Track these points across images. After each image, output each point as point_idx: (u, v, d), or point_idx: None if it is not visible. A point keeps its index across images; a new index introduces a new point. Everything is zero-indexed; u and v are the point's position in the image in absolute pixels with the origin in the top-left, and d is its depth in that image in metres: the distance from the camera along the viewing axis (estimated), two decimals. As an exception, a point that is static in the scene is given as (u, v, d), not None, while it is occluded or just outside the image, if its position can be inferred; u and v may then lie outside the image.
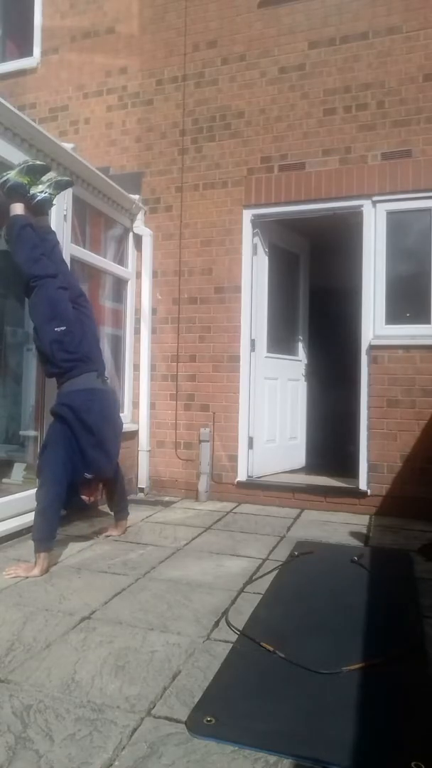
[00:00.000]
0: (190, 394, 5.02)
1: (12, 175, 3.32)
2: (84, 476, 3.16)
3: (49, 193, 3.46)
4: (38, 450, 3.71)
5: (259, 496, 4.76)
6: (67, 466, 3.03)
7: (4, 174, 3.33)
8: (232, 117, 4.98)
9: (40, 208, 3.46)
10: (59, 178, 3.57)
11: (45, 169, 3.45)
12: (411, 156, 4.42)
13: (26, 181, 3.35)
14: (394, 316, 4.47)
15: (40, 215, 3.51)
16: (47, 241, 3.48)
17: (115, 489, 3.61)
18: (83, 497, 3.27)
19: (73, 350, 3.22)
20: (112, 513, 3.69)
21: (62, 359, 3.21)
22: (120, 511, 3.68)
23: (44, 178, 3.45)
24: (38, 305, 3.26)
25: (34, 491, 3.13)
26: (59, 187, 3.55)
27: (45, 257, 3.34)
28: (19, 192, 3.34)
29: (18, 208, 3.35)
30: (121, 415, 3.79)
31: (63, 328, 3.21)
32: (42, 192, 3.41)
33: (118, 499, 3.66)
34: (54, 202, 3.59)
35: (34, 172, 3.38)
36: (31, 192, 3.39)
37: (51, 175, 3.52)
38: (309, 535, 3.78)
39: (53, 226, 3.83)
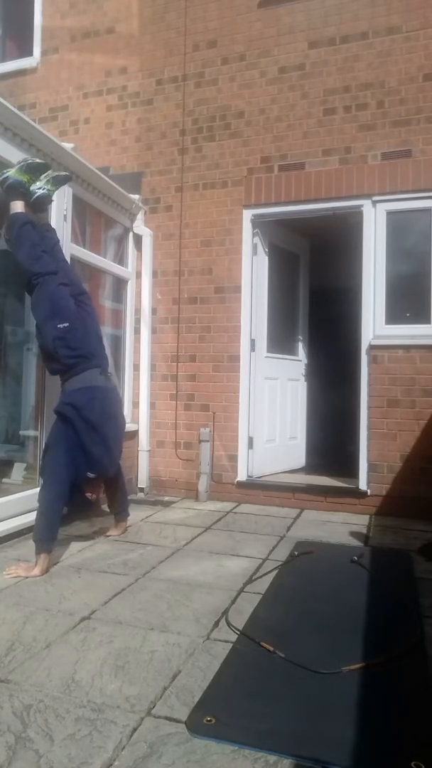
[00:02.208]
0: (190, 394, 5.02)
1: (11, 172, 3.32)
2: (87, 475, 3.16)
3: (48, 189, 3.46)
4: (38, 450, 3.72)
5: (259, 496, 4.76)
6: (69, 467, 3.03)
7: (4, 172, 3.33)
8: (232, 117, 4.98)
9: (39, 205, 3.46)
10: (57, 174, 3.57)
11: (45, 167, 3.45)
12: (411, 156, 4.42)
13: (26, 179, 3.35)
14: (394, 316, 4.47)
15: (40, 212, 3.51)
16: (48, 238, 3.48)
17: (117, 489, 3.61)
18: (87, 495, 3.27)
19: (76, 346, 3.22)
20: (113, 513, 3.69)
21: (65, 356, 3.20)
22: (120, 511, 3.68)
23: (43, 176, 3.45)
24: (40, 302, 3.26)
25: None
26: (58, 182, 3.55)
27: (46, 254, 3.34)
28: (18, 190, 3.34)
29: (18, 206, 3.35)
30: (123, 413, 3.79)
31: (66, 324, 3.21)
32: (40, 188, 3.41)
33: (119, 500, 3.66)
34: (53, 198, 3.59)
35: (34, 170, 3.38)
36: (30, 189, 3.39)
37: (50, 172, 3.52)
38: (309, 534, 3.78)
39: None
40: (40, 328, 3.29)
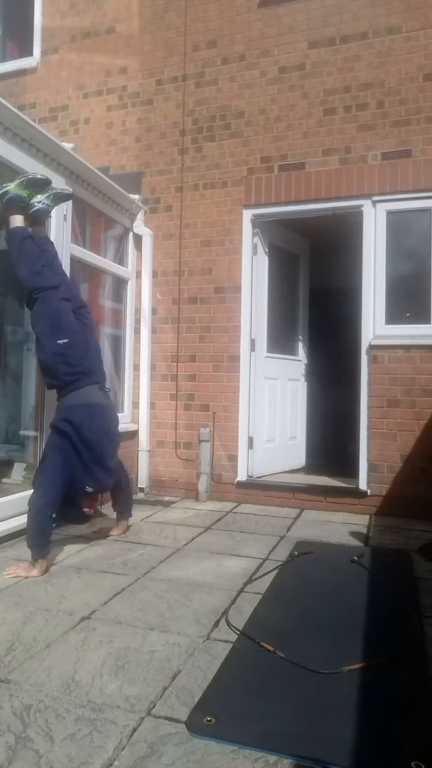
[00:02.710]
0: (190, 394, 5.02)
1: (12, 187, 3.32)
2: (85, 489, 3.16)
3: (47, 204, 3.46)
4: (38, 450, 3.72)
5: (259, 496, 4.76)
6: (64, 475, 3.03)
7: (4, 186, 3.32)
8: (232, 117, 4.98)
9: (37, 218, 3.46)
10: (59, 191, 3.57)
11: (45, 183, 3.45)
12: (411, 156, 4.42)
13: (26, 194, 3.35)
14: (394, 316, 4.47)
15: (38, 225, 3.50)
16: (47, 251, 3.47)
17: (121, 491, 3.63)
18: (84, 510, 3.27)
19: (75, 363, 3.21)
20: (116, 512, 3.70)
21: (64, 372, 3.20)
22: (123, 511, 3.70)
23: (43, 192, 3.44)
24: (40, 317, 3.25)
25: (32, 492, 3.12)
26: (58, 199, 3.56)
27: (46, 268, 3.33)
28: (17, 204, 3.33)
29: (17, 220, 3.34)
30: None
31: (65, 340, 3.20)
32: (40, 202, 3.41)
33: (122, 500, 3.67)
34: (52, 213, 3.59)
35: (34, 186, 3.38)
36: (30, 202, 3.39)
37: (51, 188, 3.52)
38: (309, 534, 3.78)
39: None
40: (39, 343, 3.28)
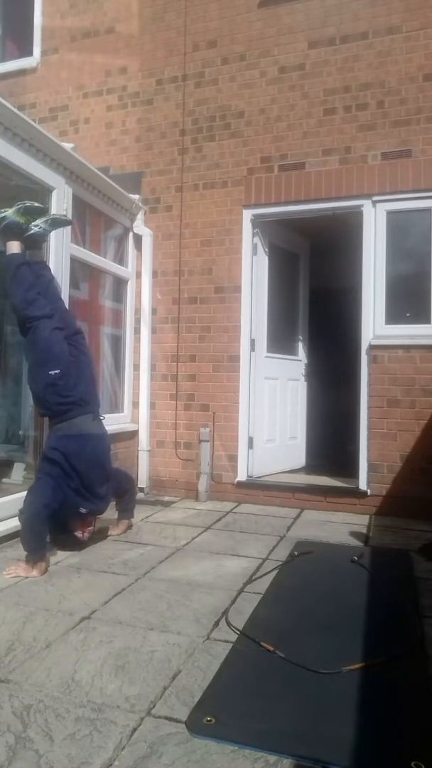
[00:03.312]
0: (190, 394, 5.02)
1: (9, 213, 3.31)
2: (79, 510, 3.17)
3: (45, 229, 3.45)
4: (38, 450, 3.72)
5: (259, 496, 4.76)
6: (56, 490, 3.03)
7: (2, 211, 3.31)
8: (232, 117, 4.98)
9: (33, 243, 3.45)
10: (57, 216, 3.57)
11: (42, 211, 3.45)
12: (411, 156, 4.42)
13: (23, 221, 3.34)
14: (394, 316, 4.47)
15: (34, 249, 3.49)
16: (43, 277, 3.46)
17: (126, 493, 3.65)
18: (77, 534, 3.26)
19: (67, 393, 3.20)
20: (117, 511, 3.71)
21: (56, 402, 3.20)
22: (125, 510, 3.71)
23: (41, 218, 3.42)
24: (33, 347, 3.25)
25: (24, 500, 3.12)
26: (56, 224, 3.55)
27: (41, 296, 3.31)
28: (14, 231, 3.33)
29: (14, 246, 3.34)
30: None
31: (57, 371, 3.18)
32: (38, 226, 3.39)
33: (126, 500, 3.69)
34: (48, 238, 3.60)
35: (32, 213, 3.37)
36: (27, 226, 3.38)
37: (49, 215, 3.52)
38: (309, 534, 3.78)
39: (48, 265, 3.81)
40: (31, 373, 3.29)
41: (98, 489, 3.25)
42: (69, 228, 4.10)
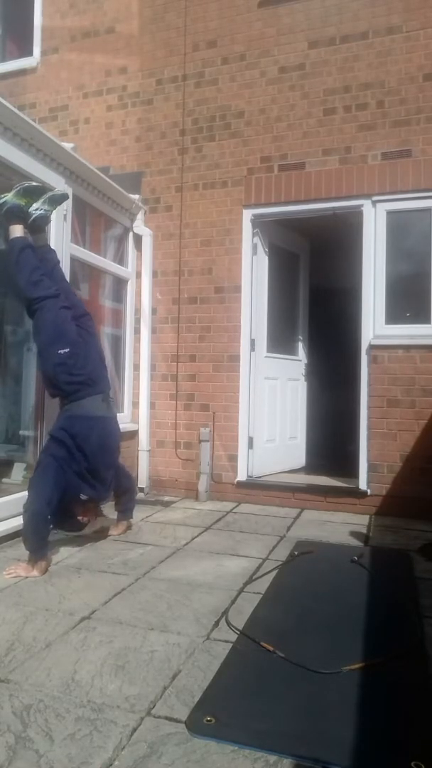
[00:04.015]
0: (190, 394, 5.02)
1: (9, 197, 3.31)
2: (79, 497, 3.16)
3: (45, 210, 3.46)
4: (38, 450, 3.72)
5: (259, 496, 4.76)
6: (58, 479, 3.02)
7: (2, 196, 3.32)
8: (232, 117, 4.98)
9: (37, 227, 3.46)
10: (53, 193, 3.57)
11: (41, 190, 3.45)
12: (411, 156, 4.42)
13: (23, 203, 3.35)
14: (394, 316, 4.47)
15: (38, 233, 3.50)
16: (47, 260, 3.46)
17: (126, 492, 3.64)
18: (78, 518, 3.26)
19: (77, 373, 3.20)
20: (117, 512, 3.71)
21: (66, 382, 3.19)
22: (125, 511, 3.70)
23: (40, 198, 3.43)
24: (41, 327, 3.24)
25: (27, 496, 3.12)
26: (54, 202, 3.55)
27: (46, 278, 3.32)
28: (16, 214, 3.33)
29: (17, 230, 3.34)
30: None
31: (66, 350, 3.18)
32: (38, 209, 3.40)
33: (124, 500, 3.68)
34: (51, 218, 3.59)
35: (31, 194, 3.38)
36: (28, 211, 3.39)
37: (47, 193, 3.52)
38: (309, 534, 3.78)
39: (53, 226, 3.83)
40: (41, 354, 3.28)
41: (103, 473, 3.23)
42: (69, 228, 4.10)
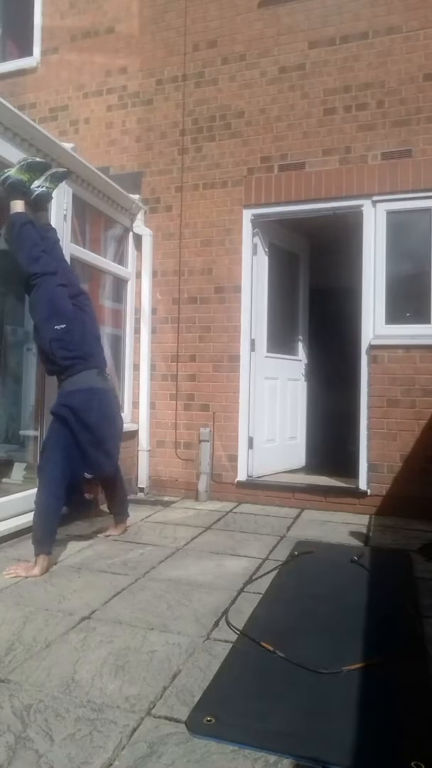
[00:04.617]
0: (190, 394, 5.02)
1: (12, 172, 3.33)
2: (84, 475, 3.17)
3: (47, 187, 3.47)
4: (38, 449, 3.72)
5: (259, 496, 4.76)
6: (66, 469, 3.03)
7: (4, 171, 3.34)
8: (232, 117, 4.98)
9: (39, 203, 3.47)
10: (55, 170, 3.58)
11: (44, 166, 3.47)
12: (411, 156, 4.42)
13: (26, 178, 3.37)
14: (394, 316, 4.47)
15: (40, 210, 3.51)
16: (48, 238, 3.47)
17: (116, 490, 3.62)
18: (85, 495, 3.29)
19: (73, 348, 3.22)
20: (112, 514, 3.70)
21: (62, 357, 3.20)
22: (120, 512, 3.69)
23: (42, 174, 3.45)
24: (38, 303, 3.26)
25: (34, 491, 3.13)
26: (56, 179, 3.56)
27: (45, 254, 3.33)
28: (19, 189, 3.34)
29: (19, 206, 3.35)
30: (121, 414, 3.78)
31: (63, 326, 3.20)
32: (40, 186, 3.42)
33: (118, 500, 3.67)
34: (53, 195, 3.60)
35: (34, 170, 3.40)
36: (30, 187, 3.40)
37: (49, 170, 3.53)
38: (309, 534, 3.78)
39: (53, 226, 3.83)
40: (37, 329, 3.29)
41: (107, 444, 3.23)
42: (69, 228, 4.10)
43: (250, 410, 4.86)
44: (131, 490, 4.85)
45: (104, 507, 3.84)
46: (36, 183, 3.41)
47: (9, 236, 3.34)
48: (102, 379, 3.32)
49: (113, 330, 5.12)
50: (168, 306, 5.13)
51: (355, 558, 3.17)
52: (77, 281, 3.64)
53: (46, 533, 2.91)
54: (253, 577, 2.89)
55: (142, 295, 5.17)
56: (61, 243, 3.87)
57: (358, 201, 4.56)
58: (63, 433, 3.08)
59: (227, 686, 1.85)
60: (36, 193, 3.40)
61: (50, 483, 2.99)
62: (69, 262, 4.10)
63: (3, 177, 3.32)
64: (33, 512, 3.02)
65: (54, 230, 3.64)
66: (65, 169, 3.73)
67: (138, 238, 5.21)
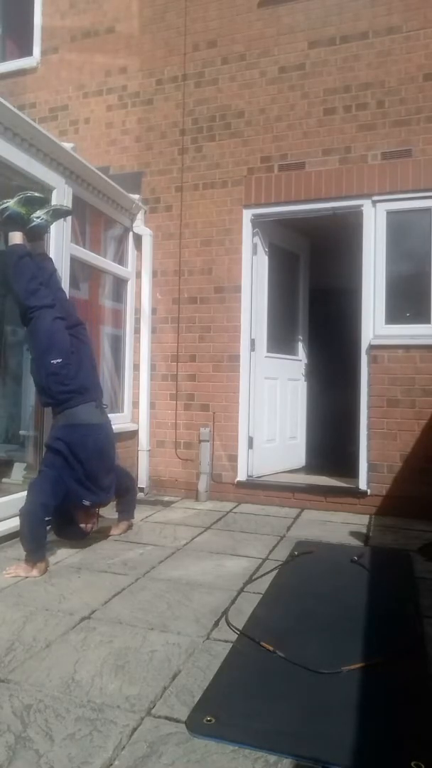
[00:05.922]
0: (190, 394, 5.02)
1: (11, 204, 3.32)
2: (82, 503, 3.18)
3: (46, 220, 3.47)
4: (38, 450, 3.73)
5: (259, 496, 4.76)
6: (57, 486, 3.04)
7: (3, 202, 3.33)
8: (232, 117, 4.98)
9: (35, 234, 3.46)
10: (58, 207, 3.58)
11: (43, 201, 3.47)
12: (411, 156, 4.42)
13: (24, 212, 3.35)
14: (394, 316, 4.47)
15: (36, 240, 3.51)
16: (44, 269, 3.47)
17: (127, 496, 3.67)
18: (81, 525, 3.28)
19: (69, 382, 3.22)
20: (117, 512, 3.71)
21: (58, 391, 3.21)
22: (125, 511, 3.72)
23: (41, 209, 3.44)
24: (35, 337, 3.27)
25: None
26: (57, 215, 3.57)
27: (43, 287, 3.34)
28: (16, 222, 3.34)
29: (17, 237, 3.35)
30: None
31: (59, 360, 3.21)
32: (39, 218, 3.41)
33: (126, 502, 3.70)
34: (49, 230, 3.61)
35: (33, 203, 3.39)
36: (29, 218, 3.39)
37: (50, 205, 3.53)
38: (309, 534, 3.78)
39: (54, 225, 3.83)
40: (34, 363, 3.31)
41: (102, 480, 3.25)
42: (69, 228, 4.10)
43: (250, 410, 4.86)
44: (131, 490, 4.85)
45: (104, 508, 3.84)
46: (35, 214, 3.40)
47: (7, 268, 3.33)
48: (99, 412, 3.33)
49: (113, 330, 5.13)
50: (168, 306, 5.13)
51: (355, 558, 3.17)
52: (74, 311, 3.63)
53: (35, 542, 2.89)
54: (253, 577, 2.89)
55: (142, 295, 5.17)
56: (61, 243, 3.88)
57: (358, 201, 4.56)
58: (56, 461, 3.11)
59: (227, 686, 1.85)
60: (33, 224, 3.39)
61: (37, 495, 2.97)
62: (69, 262, 4.11)
63: (1, 208, 3.31)
64: (19, 523, 2.98)
65: (50, 260, 3.65)
66: (69, 207, 3.74)
67: (138, 238, 5.21)
